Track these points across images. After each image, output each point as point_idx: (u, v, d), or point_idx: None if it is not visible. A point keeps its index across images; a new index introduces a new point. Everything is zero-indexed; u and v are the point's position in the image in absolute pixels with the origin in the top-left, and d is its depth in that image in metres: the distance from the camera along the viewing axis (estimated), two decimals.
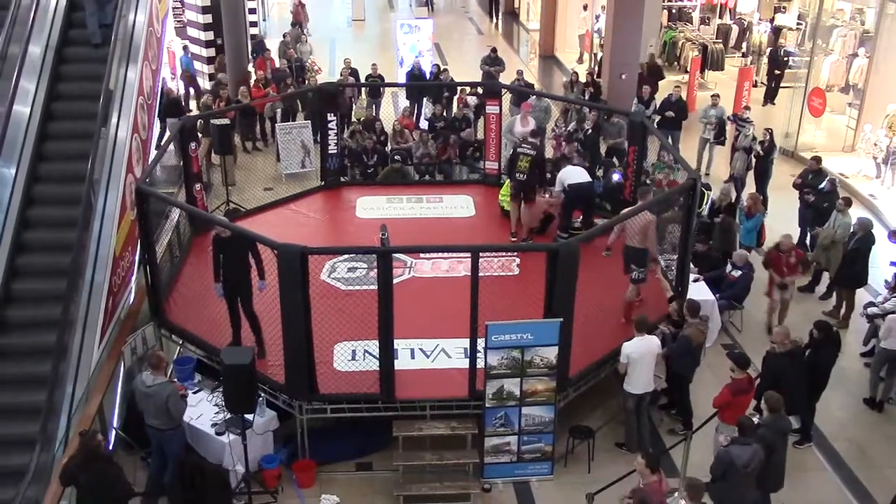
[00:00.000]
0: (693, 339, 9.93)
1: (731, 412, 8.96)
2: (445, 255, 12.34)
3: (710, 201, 13.83)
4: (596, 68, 22.33)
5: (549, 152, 15.45)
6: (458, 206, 14.62)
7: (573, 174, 12.92)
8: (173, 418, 8.89)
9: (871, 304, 11.78)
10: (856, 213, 13.69)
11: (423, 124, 18.22)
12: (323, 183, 15.27)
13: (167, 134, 15.57)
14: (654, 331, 10.05)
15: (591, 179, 13.17)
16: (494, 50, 22.10)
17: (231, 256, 9.89)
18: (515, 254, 12.48)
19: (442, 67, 21.27)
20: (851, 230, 12.54)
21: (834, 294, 13.00)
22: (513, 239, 13.20)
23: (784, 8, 24.88)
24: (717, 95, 17.62)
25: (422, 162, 16.28)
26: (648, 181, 13.87)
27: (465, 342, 9.40)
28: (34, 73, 11.39)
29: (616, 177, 14.22)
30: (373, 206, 14.43)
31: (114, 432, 9.58)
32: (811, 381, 9.93)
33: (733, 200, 14.12)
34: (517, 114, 17.29)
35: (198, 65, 22.48)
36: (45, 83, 11.46)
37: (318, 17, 25.75)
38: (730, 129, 17.52)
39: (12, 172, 10.44)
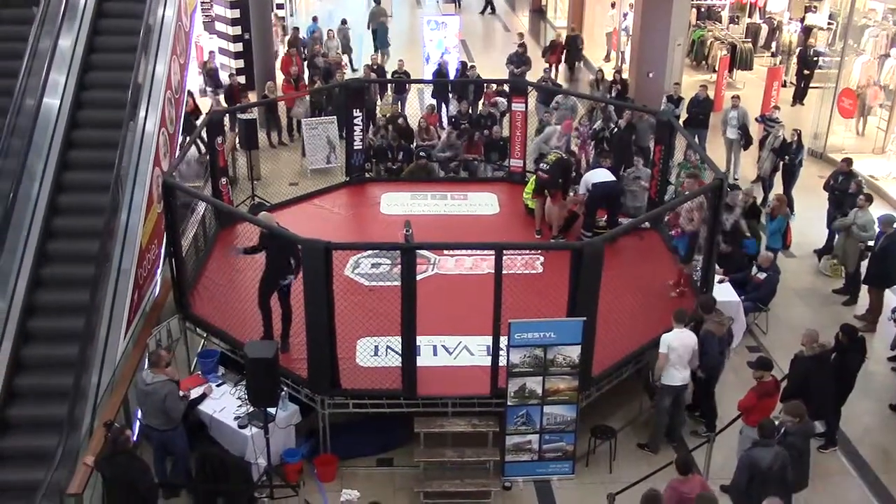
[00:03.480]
0: (716, 333, 9.88)
1: (755, 415, 8.88)
2: (469, 252, 12.33)
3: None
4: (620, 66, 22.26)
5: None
6: (482, 203, 14.60)
7: (597, 174, 12.92)
8: (171, 419, 8.84)
9: None
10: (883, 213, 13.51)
11: (449, 121, 18.24)
12: (348, 179, 15.31)
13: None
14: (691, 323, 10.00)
15: (615, 179, 13.12)
16: (523, 45, 21.99)
17: (276, 249, 9.88)
18: (539, 252, 12.45)
19: (469, 65, 21.25)
20: (877, 229, 12.40)
21: (869, 298, 12.79)
22: (538, 236, 13.18)
23: (815, 7, 24.61)
24: (738, 97, 17.44)
25: (448, 159, 16.23)
26: (672, 181, 13.82)
27: (488, 339, 9.38)
28: (64, 66, 11.50)
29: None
30: (397, 203, 14.45)
31: (138, 423, 9.66)
32: (837, 386, 9.83)
33: (760, 202, 14.02)
34: (543, 111, 17.27)
35: (224, 59, 22.65)
36: (74, 77, 11.56)
37: (344, 13, 25.91)
38: (757, 129, 17.37)
39: (41, 165, 10.55)
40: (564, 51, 24.20)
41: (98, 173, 10.74)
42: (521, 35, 22.37)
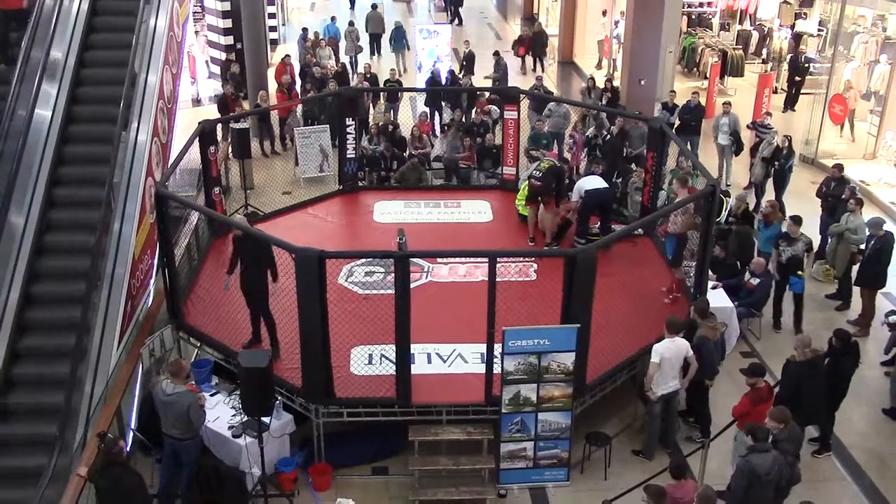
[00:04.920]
0: (710, 338, 9.90)
1: (750, 421, 8.88)
2: (463, 259, 12.32)
3: (728, 208, 13.76)
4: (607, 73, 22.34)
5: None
6: (475, 211, 14.62)
7: (590, 181, 12.94)
8: (192, 428, 8.88)
9: (893, 312, 11.67)
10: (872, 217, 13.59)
11: (441, 130, 18.30)
12: (341, 187, 15.31)
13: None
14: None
15: (607, 186, 13.14)
16: (497, 53, 22.40)
17: (248, 257, 9.98)
18: (533, 259, 12.46)
19: (461, 73, 21.31)
20: (868, 233, 12.46)
21: (861, 301, 12.83)
22: (531, 244, 13.19)
23: (805, 14, 24.73)
24: (729, 103, 17.49)
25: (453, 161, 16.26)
26: (664, 188, 13.84)
27: (482, 347, 9.38)
28: (55, 76, 11.50)
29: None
30: (390, 211, 14.45)
31: (131, 434, 9.63)
32: (831, 391, 9.85)
33: (752, 207, 14.04)
34: (535, 119, 17.29)
35: (215, 68, 22.67)
36: (66, 87, 11.55)
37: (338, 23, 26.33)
38: (749, 135, 17.42)
39: (33, 176, 10.53)
40: (531, 45, 25.84)
41: (90, 185, 10.77)
42: (466, 42, 23.30)
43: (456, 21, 32.13)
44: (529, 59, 26.08)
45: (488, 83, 21.45)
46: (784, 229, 12.76)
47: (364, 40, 25.95)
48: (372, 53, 26.55)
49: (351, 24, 25.65)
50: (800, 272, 12.17)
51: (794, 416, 8.51)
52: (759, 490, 7.90)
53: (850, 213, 12.85)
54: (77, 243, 10.24)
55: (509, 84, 19.87)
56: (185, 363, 9.27)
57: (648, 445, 10.09)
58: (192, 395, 8.84)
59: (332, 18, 25.88)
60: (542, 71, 25.40)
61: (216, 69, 22.64)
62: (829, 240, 13.34)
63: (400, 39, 25.28)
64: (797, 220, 12.45)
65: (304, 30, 24.43)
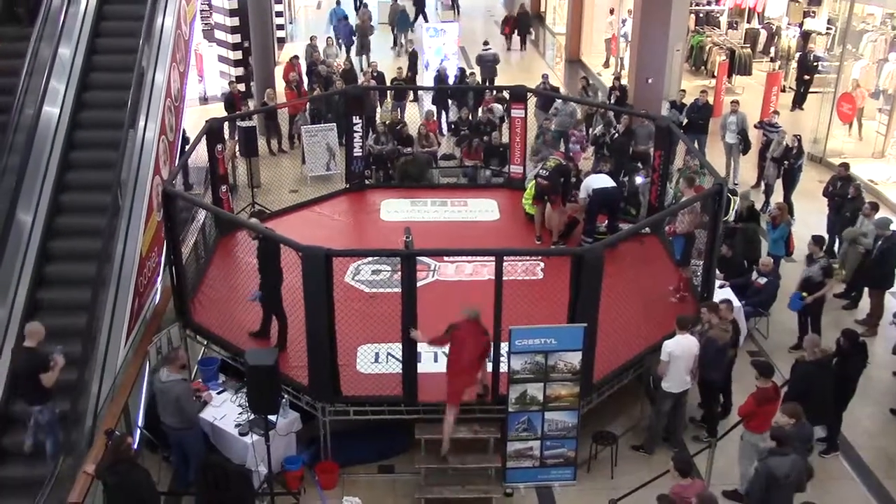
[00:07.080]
0: (719, 339, 9.87)
1: (756, 421, 8.88)
2: (469, 258, 12.31)
3: (736, 207, 13.72)
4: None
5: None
6: (482, 209, 14.60)
7: (598, 180, 12.91)
8: (186, 417, 8.96)
9: None
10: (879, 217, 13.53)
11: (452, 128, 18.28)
12: (348, 186, 15.31)
13: None
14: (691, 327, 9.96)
15: (615, 184, 13.12)
16: (486, 43, 22.82)
17: (261, 256, 10.00)
18: (540, 258, 12.44)
19: (468, 71, 21.30)
20: (875, 234, 12.42)
21: (870, 302, 12.77)
22: (538, 242, 13.17)
23: (813, 12, 24.63)
24: (737, 102, 17.44)
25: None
26: (671, 187, 13.81)
27: None
28: (63, 73, 11.52)
29: (639, 179, 14.23)
30: (397, 209, 14.45)
31: (139, 431, 9.65)
32: (838, 390, 9.82)
33: (761, 207, 13.94)
34: (542, 117, 17.27)
35: (224, 67, 22.69)
36: (74, 84, 11.58)
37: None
38: (757, 134, 17.37)
39: (41, 172, 10.57)
40: (516, 24, 28.87)
41: (98, 184, 10.79)
42: (410, 42, 25.14)
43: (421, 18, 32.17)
44: (517, 40, 29.13)
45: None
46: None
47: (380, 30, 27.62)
48: (394, 45, 27.86)
49: (365, 5, 27.80)
50: (805, 294, 11.77)
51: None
52: (778, 492, 7.86)
53: (865, 218, 12.79)
54: (83, 249, 10.27)
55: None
56: (181, 352, 9.31)
57: (649, 440, 10.08)
58: (183, 385, 8.91)
59: (338, 2, 26.94)
60: (524, 47, 28.50)
61: (224, 67, 22.66)
62: (841, 244, 13.29)
63: (405, 20, 27.30)
64: (818, 241, 12.04)
65: (346, 17, 25.89)
